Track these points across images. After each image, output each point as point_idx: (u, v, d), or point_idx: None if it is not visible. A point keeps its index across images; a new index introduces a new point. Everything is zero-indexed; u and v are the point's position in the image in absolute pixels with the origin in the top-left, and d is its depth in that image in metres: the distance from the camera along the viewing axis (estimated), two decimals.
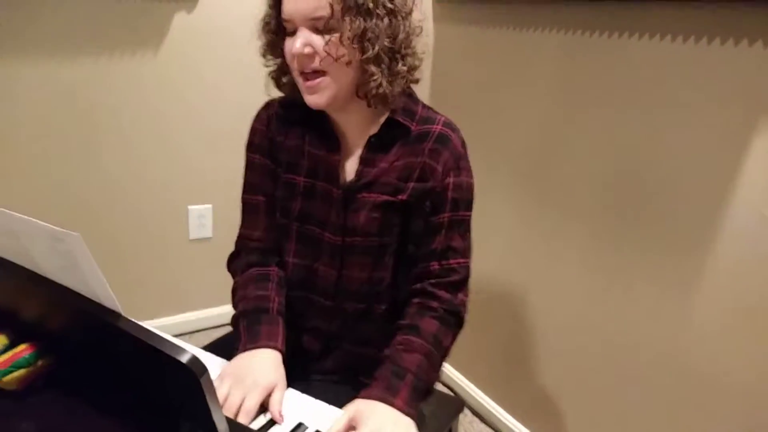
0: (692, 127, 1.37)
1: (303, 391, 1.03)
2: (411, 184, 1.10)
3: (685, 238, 1.42)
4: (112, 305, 0.74)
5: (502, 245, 1.95)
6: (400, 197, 1.10)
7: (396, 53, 1.04)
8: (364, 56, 1.00)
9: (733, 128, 1.29)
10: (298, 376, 1.16)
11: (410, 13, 1.06)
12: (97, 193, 2.15)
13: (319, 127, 1.14)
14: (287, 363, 1.15)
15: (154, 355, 0.72)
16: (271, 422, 0.94)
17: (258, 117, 1.22)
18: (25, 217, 0.71)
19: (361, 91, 1.05)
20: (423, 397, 1.06)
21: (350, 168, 1.14)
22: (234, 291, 1.21)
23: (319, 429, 0.93)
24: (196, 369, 0.70)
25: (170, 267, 2.38)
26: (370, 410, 0.96)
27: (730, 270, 1.34)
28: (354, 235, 1.13)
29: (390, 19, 1.01)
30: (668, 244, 1.45)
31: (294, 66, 1.04)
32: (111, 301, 0.73)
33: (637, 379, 1.57)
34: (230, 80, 2.25)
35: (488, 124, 1.93)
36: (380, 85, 1.03)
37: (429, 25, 2.11)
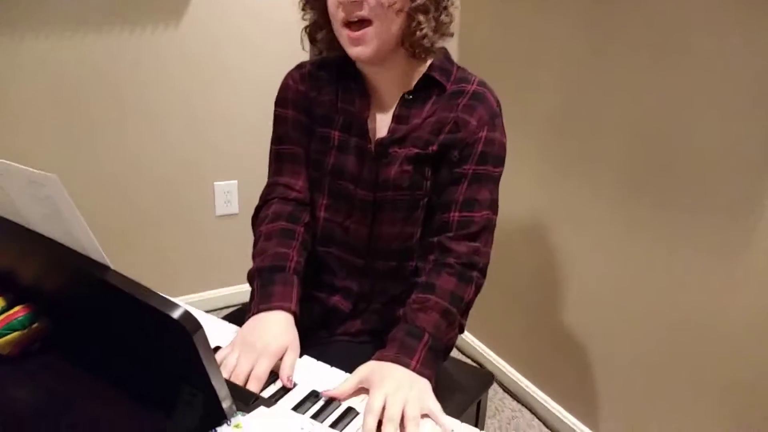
0: (725, 90, 1.27)
1: (326, 350, 1.01)
2: (442, 137, 1.08)
3: (731, 202, 1.31)
4: (98, 257, 0.68)
5: (532, 211, 1.87)
6: (431, 149, 1.08)
7: (439, 3, 1.04)
8: (414, 4, 1.00)
9: None
10: (324, 338, 1.15)
11: None
12: (124, 170, 2.13)
13: (352, 84, 1.13)
14: (315, 324, 1.15)
15: (145, 311, 0.66)
16: (284, 390, 0.88)
17: (290, 75, 1.19)
18: (4, 161, 0.66)
19: (407, 41, 1.03)
20: (441, 357, 1.01)
21: (383, 124, 1.12)
22: (255, 242, 1.15)
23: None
24: (189, 325, 0.64)
25: (198, 244, 2.36)
26: (383, 372, 0.90)
27: None
28: (386, 190, 1.11)
29: None
30: (712, 208, 1.35)
31: (338, 16, 1.01)
32: (97, 253, 0.67)
33: (675, 360, 1.48)
34: (253, 57, 2.20)
35: (512, 88, 1.84)
36: (426, 35, 1.02)
37: None
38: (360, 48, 1.02)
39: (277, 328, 0.98)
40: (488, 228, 1.10)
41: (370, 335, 1.17)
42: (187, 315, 0.64)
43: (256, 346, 0.93)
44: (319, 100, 1.15)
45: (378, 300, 1.18)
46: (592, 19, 1.58)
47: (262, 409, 0.77)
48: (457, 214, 1.07)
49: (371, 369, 0.91)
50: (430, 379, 0.93)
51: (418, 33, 1.01)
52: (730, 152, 1.30)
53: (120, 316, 0.75)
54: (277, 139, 1.20)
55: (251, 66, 2.21)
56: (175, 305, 0.65)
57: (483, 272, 1.10)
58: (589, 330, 1.74)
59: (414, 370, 0.92)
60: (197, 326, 0.64)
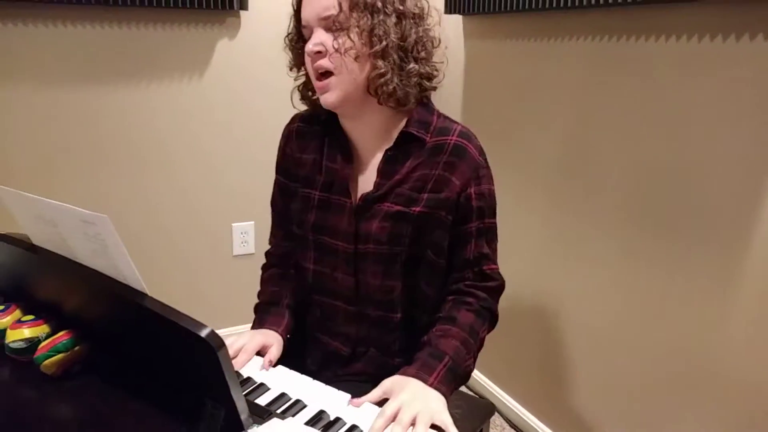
0: (720, 126, 1.36)
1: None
2: (425, 195, 1.12)
3: (718, 244, 1.39)
4: (138, 286, 0.79)
5: (533, 253, 1.95)
6: (413, 209, 1.12)
7: (407, 52, 1.07)
8: (372, 50, 1.04)
9: (763, 126, 1.27)
10: (329, 378, 1.21)
11: (422, 17, 1.10)
12: (144, 212, 2.25)
13: (337, 141, 1.18)
14: (318, 367, 1.26)
15: (176, 331, 0.77)
16: (294, 404, 0.96)
17: (283, 134, 1.29)
18: (58, 202, 0.78)
19: (371, 87, 1.07)
20: (458, 381, 1.09)
21: (368, 179, 1.16)
22: (260, 285, 1.34)
23: (339, 416, 0.94)
24: (214, 343, 0.74)
25: (215, 283, 2.46)
26: (403, 384, 1.00)
27: (765, 276, 1.30)
28: (367, 243, 1.15)
29: (399, 19, 1.06)
30: (703, 250, 1.43)
31: (310, 70, 1.09)
32: (137, 283, 0.79)
33: (676, 390, 1.53)
34: (271, 104, 2.32)
35: (518, 134, 1.95)
36: (389, 81, 1.05)
37: (460, 41, 2.16)
38: (326, 95, 1.08)
39: (266, 334, 1.18)
40: (503, 284, 1.22)
41: (369, 377, 1.21)
42: (212, 334, 0.75)
43: (245, 336, 1.14)
44: (303, 160, 1.22)
45: (373, 346, 1.23)
46: (595, 67, 1.66)
47: (275, 420, 0.87)
48: (470, 272, 1.18)
49: (393, 381, 1.02)
50: (445, 395, 1.01)
51: (380, 79, 1.05)
52: (723, 189, 1.37)
53: (153, 338, 0.86)
54: (272, 204, 1.35)
55: (267, 112, 2.33)
56: (202, 325, 0.75)
57: (494, 322, 1.22)
58: (591, 362, 1.80)
59: (431, 385, 1.01)
60: (221, 344, 0.75)
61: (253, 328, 1.23)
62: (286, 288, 1.29)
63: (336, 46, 1.04)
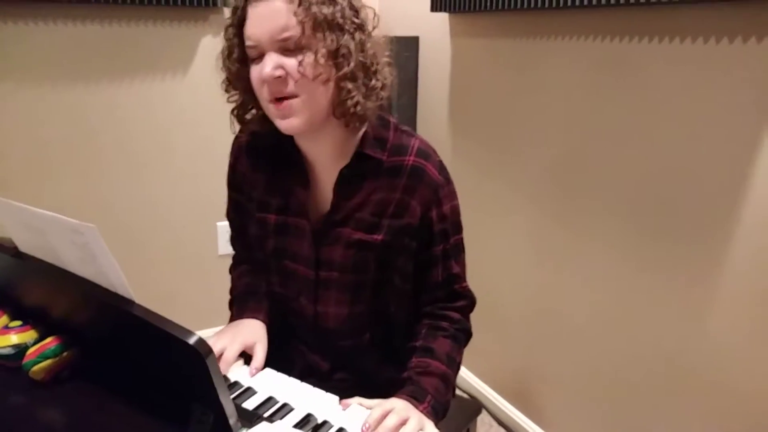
0: (706, 127, 1.38)
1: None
2: (386, 221, 1.08)
3: (699, 241, 1.42)
4: (126, 294, 0.80)
5: (519, 254, 1.97)
6: (375, 237, 1.08)
7: (368, 69, 1.01)
8: (341, 73, 0.97)
9: (752, 126, 1.30)
10: (313, 384, 1.22)
11: (375, 27, 1.03)
12: (128, 211, 2.25)
13: (288, 160, 1.12)
14: (301, 373, 1.19)
15: (164, 338, 0.78)
16: (281, 408, 0.97)
17: (231, 148, 1.22)
18: (47, 212, 0.78)
19: (338, 110, 1.01)
20: (439, 417, 1.08)
21: (324, 200, 1.11)
22: (231, 282, 1.32)
23: (327, 419, 0.96)
24: (202, 350, 0.75)
25: (200, 282, 2.46)
26: (396, 399, 1.01)
27: (744, 271, 1.34)
28: (330, 270, 1.12)
29: (359, 35, 0.99)
30: (686, 250, 1.46)
31: (264, 94, 0.99)
32: (125, 290, 0.79)
33: (659, 386, 1.57)
34: None
35: (505, 134, 1.96)
36: (357, 103, 0.99)
37: (447, 40, 2.17)
38: (289, 120, 0.99)
39: (247, 327, 1.14)
40: (474, 301, 1.21)
41: (355, 383, 1.20)
42: (200, 341, 0.76)
43: (227, 336, 1.09)
44: (255, 178, 1.16)
45: (349, 367, 1.20)
46: (583, 67, 1.68)
47: (264, 424, 0.88)
48: (441, 292, 1.17)
49: (389, 401, 1.00)
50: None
51: (348, 102, 0.99)
52: (706, 189, 1.40)
53: (142, 344, 0.86)
54: (227, 217, 1.30)
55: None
56: (190, 333, 0.76)
57: (469, 338, 1.22)
58: (576, 360, 1.83)
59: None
60: (209, 351, 0.76)
61: (232, 319, 1.21)
62: (259, 279, 1.25)
63: (302, 71, 0.95)
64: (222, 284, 2.44)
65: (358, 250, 1.09)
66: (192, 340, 0.75)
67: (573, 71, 1.70)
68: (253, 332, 1.13)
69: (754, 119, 1.28)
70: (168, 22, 2.14)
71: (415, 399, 1.03)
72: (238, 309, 1.21)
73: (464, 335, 1.19)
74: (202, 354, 0.75)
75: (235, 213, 1.26)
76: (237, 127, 1.15)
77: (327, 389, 1.05)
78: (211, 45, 2.23)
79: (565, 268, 1.82)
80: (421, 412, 1.01)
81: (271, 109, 1.00)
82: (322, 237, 1.11)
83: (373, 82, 1.02)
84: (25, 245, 0.92)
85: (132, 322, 0.82)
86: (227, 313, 2.39)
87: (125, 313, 0.81)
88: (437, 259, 1.13)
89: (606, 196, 1.65)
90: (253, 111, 1.11)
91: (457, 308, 1.18)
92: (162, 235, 2.33)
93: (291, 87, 0.96)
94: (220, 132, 2.31)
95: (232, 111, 1.11)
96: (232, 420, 0.83)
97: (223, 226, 2.42)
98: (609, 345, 1.69)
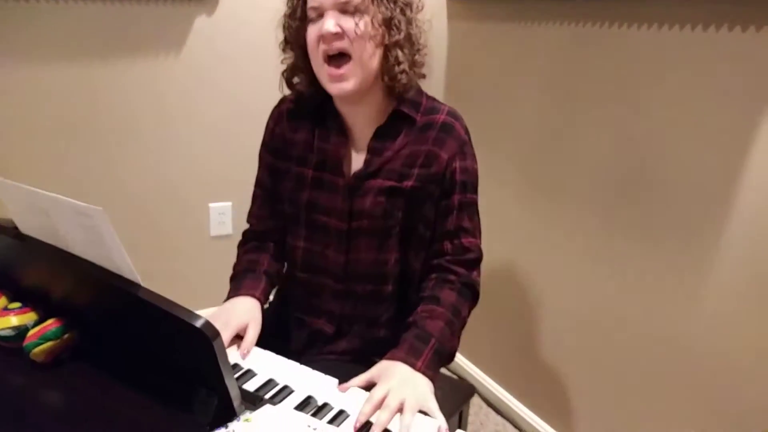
0: (698, 114, 1.40)
1: (315, 367, 1.08)
2: (416, 170, 1.16)
3: (692, 225, 1.44)
4: (132, 277, 0.79)
5: (510, 233, 1.99)
6: (405, 183, 1.16)
7: (414, 43, 1.12)
8: (393, 39, 1.08)
9: (738, 114, 1.32)
10: (313, 357, 1.25)
11: (421, 9, 1.14)
12: (121, 192, 2.22)
13: (328, 122, 1.20)
14: (303, 346, 1.27)
15: (171, 321, 0.78)
16: (282, 390, 0.98)
17: (271, 115, 1.29)
18: (53, 194, 0.78)
19: (387, 75, 1.11)
20: (444, 361, 1.13)
21: (359, 158, 1.19)
22: (236, 259, 1.36)
23: (327, 401, 0.97)
24: (209, 333, 0.76)
25: (192, 263, 2.45)
26: (392, 369, 1.03)
27: (738, 256, 1.35)
28: (360, 219, 1.18)
29: (408, 11, 1.10)
30: (675, 230, 1.48)
31: (319, 51, 1.08)
32: (132, 274, 0.79)
33: (649, 368, 1.59)
34: (249, 82, 2.31)
35: (499, 116, 1.97)
36: (404, 71, 1.09)
37: (443, 23, 2.17)
38: (341, 84, 1.08)
39: (240, 307, 1.16)
40: (480, 257, 1.24)
41: (354, 355, 1.26)
42: (207, 324, 0.76)
43: (220, 320, 1.08)
44: (294, 140, 1.23)
45: (359, 322, 1.26)
46: (571, 54, 1.70)
47: (268, 407, 0.88)
48: (449, 243, 1.21)
49: (381, 366, 1.04)
50: (432, 380, 1.05)
51: (396, 68, 1.09)
52: (691, 180, 1.42)
53: (146, 327, 0.87)
54: (257, 182, 1.34)
55: (244, 92, 2.31)
56: (197, 316, 0.77)
57: (476, 298, 1.25)
58: (568, 346, 1.85)
59: (419, 370, 1.04)
60: (216, 334, 0.76)
61: (229, 295, 1.24)
62: (262, 257, 1.30)
63: (358, 31, 1.05)
64: (214, 265, 2.46)
65: (388, 197, 1.16)
66: (199, 323, 0.75)
67: (567, 55, 1.71)
68: (246, 312, 1.16)
69: (745, 105, 1.30)
70: (162, 2, 2.11)
71: (416, 351, 1.06)
72: (236, 285, 1.26)
73: (470, 291, 1.22)
74: (209, 337, 0.75)
75: (269, 177, 1.30)
76: (284, 89, 1.24)
77: (326, 363, 1.11)
78: (205, 25, 2.20)
79: (558, 251, 1.83)
80: (421, 366, 1.04)
81: (323, 72, 1.09)
82: (355, 190, 1.18)
83: (417, 56, 1.13)
84: (27, 226, 0.92)
85: (137, 305, 0.82)
86: (219, 294, 2.42)
87: (130, 296, 0.81)
88: (452, 208, 1.19)
89: (602, 180, 1.66)
90: (301, 76, 1.19)
91: (465, 262, 1.21)
92: (154, 215, 2.32)
93: (346, 44, 1.05)
94: (212, 113, 2.31)
95: (283, 73, 1.21)
96: (237, 402, 0.83)
97: (216, 208, 2.42)
98: (602, 328, 1.71)
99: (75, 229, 0.79)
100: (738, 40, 1.29)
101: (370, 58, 1.08)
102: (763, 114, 1.27)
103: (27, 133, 2.03)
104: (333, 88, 1.10)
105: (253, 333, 1.11)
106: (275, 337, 1.19)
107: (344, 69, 1.07)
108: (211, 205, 2.42)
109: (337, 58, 1.07)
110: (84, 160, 2.13)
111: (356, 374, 1.05)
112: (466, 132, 1.21)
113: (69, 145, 2.10)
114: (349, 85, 1.08)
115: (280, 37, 1.18)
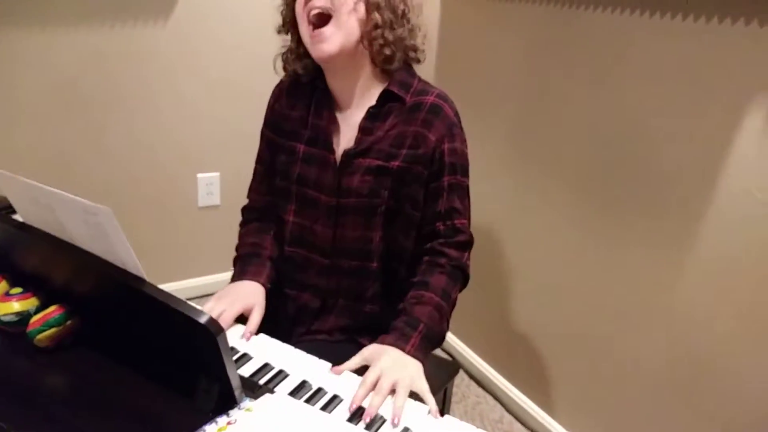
0: (680, 90, 1.43)
1: (307, 349, 1.12)
2: (404, 151, 1.19)
3: (676, 198, 1.47)
4: (137, 271, 0.82)
5: (496, 210, 2.03)
6: (392, 163, 1.19)
7: (396, 8, 1.16)
8: (371, 2, 1.12)
9: (719, 93, 1.35)
10: (302, 336, 1.30)
11: None
12: (108, 162, 2.22)
13: (323, 99, 1.25)
14: (288, 321, 1.32)
15: (175, 316, 0.80)
16: (277, 375, 1.02)
17: (273, 92, 1.35)
18: (59, 191, 0.79)
19: (366, 38, 1.14)
20: (433, 344, 1.18)
21: (349, 136, 1.23)
22: (238, 239, 1.39)
23: (321, 386, 1.01)
24: (214, 329, 0.79)
25: (180, 234, 2.47)
26: (381, 352, 1.08)
27: (719, 231, 1.39)
28: (348, 196, 1.22)
29: None
30: (659, 204, 1.51)
31: (303, 16, 1.13)
32: (136, 268, 0.81)
33: (627, 343, 1.64)
34: (237, 52, 2.30)
35: (488, 95, 2.00)
36: (386, 40, 1.14)
37: (436, 2, 2.18)
38: (323, 45, 1.12)
39: (247, 290, 1.22)
40: (471, 239, 1.29)
41: (343, 332, 1.30)
42: (211, 320, 0.79)
43: (227, 299, 1.16)
44: (290, 116, 1.28)
45: (344, 297, 1.29)
46: (547, 40, 1.73)
47: (267, 395, 0.92)
48: (441, 225, 1.24)
49: (372, 349, 1.09)
50: (421, 363, 1.09)
51: (375, 30, 1.13)
52: (673, 159, 1.46)
53: (150, 320, 0.89)
54: (257, 158, 1.39)
55: (232, 64, 2.31)
56: (201, 312, 0.79)
57: (466, 279, 1.30)
58: (548, 322, 1.91)
59: (408, 353, 1.08)
60: (220, 329, 0.79)
61: (233, 279, 1.27)
62: (266, 240, 1.34)
63: None
64: (201, 236, 2.49)
65: (375, 175, 1.19)
66: (204, 320, 0.78)
67: (557, 36, 1.73)
68: (252, 295, 1.21)
69: (729, 90, 1.33)
70: None
71: (405, 336, 1.11)
72: (241, 269, 1.29)
73: (461, 273, 1.27)
74: (213, 333, 0.78)
75: (268, 152, 1.35)
76: (280, 68, 1.30)
77: (317, 342, 1.19)
78: None
79: (542, 228, 1.88)
80: (410, 350, 1.09)
81: (307, 35, 1.14)
82: (344, 167, 1.22)
83: (400, 30, 1.17)
84: (30, 218, 0.93)
85: (142, 299, 0.84)
86: (208, 264, 2.45)
87: (135, 291, 0.83)
88: (443, 189, 1.22)
89: (580, 155, 1.70)
90: (296, 53, 1.24)
91: (455, 244, 1.25)
92: (142, 186, 2.32)
93: (326, 2, 1.10)
94: (201, 84, 2.30)
95: (282, 55, 1.27)
96: (238, 392, 0.87)
97: (204, 178, 2.42)
98: (585, 303, 1.76)
99: (80, 224, 0.81)
100: (729, 30, 1.32)
101: (349, 14, 1.11)
102: (742, 93, 1.31)
103: (7, 101, 2.01)
104: (315, 50, 1.14)
105: (257, 316, 1.16)
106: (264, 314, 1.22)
107: (324, 29, 1.11)
108: (199, 175, 2.43)
109: (318, 18, 1.12)
110: (69, 130, 2.12)
111: (348, 355, 1.09)
112: (456, 115, 1.23)
113: (52, 114, 2.08)
114: (330, 47, 1.12)
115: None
